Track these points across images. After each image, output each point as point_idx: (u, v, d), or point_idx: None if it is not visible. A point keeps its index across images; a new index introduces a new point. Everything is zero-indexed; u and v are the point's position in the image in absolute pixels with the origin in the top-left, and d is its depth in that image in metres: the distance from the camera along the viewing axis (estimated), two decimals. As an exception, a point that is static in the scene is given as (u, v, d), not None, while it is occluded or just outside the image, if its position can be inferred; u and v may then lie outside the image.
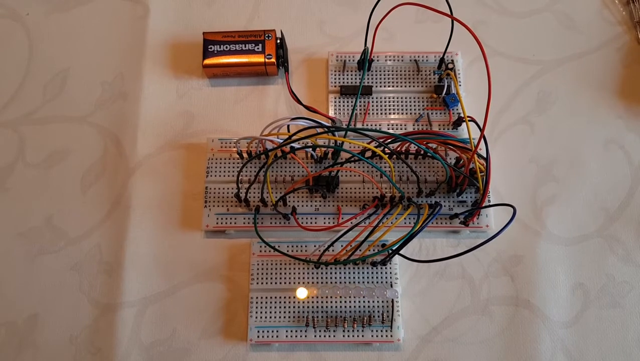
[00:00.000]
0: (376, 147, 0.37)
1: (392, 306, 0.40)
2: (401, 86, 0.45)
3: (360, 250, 0.38)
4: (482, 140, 0.37)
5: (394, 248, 0.37)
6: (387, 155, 0.38)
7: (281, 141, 0.38)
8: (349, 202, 0.42)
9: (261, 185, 0.42)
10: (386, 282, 0.40)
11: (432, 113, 0.44)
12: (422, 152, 0.42)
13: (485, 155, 0.38)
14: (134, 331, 0.41)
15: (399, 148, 0.41)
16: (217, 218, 0.42)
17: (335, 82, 0.45)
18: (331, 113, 0.44)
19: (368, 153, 0.41)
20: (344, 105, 0.45)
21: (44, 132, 0.45)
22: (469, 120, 0.39)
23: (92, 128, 0.45)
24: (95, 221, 0.43)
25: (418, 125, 0.44)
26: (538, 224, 0.43)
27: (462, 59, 0.46)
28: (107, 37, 0.48)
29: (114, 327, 0.41)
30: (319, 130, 0.37)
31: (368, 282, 0.40)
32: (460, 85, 0.45)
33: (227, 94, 0.46)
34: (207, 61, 0.44)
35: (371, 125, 0.44)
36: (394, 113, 0.44)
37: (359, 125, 0.44)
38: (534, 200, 0.44)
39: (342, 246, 0.39)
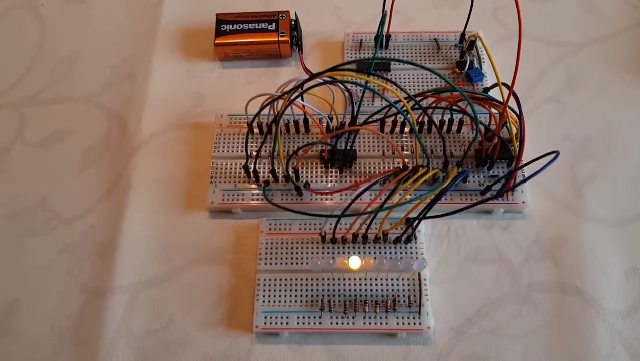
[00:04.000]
0: (406, 99, 0.34)
1: (420, 287, 0.35)
2: (421, 63, 0.43)
3: (376, 224, 0.33)
4: (513, 95, 0.34)
5: (415, 221, 0.32)
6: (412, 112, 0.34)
7: (300, 102, 0.35)
8: (366, 177, 0.38)
9: (271, 158, 0.38)
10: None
11: (455, 89, 0.41)
12: (446, 125, 0.39)
13: (517, 112, 0.34)
14: (124, 319, 0.36)
15: (421, 119, 0.38)
16: (223, 195, 0.38)
17: (351, 58, 0.43)
18: (348, 103, 0.42)
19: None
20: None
21: (46, 112, 0.43)
22: (502, 85, 0.36)
23: (96, 108, 0.43)
24: (91, 201, 0.40)
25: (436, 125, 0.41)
26: (579, 203, 0.38)
27: (484, 38, 0.44)
28: (119, 24, 0.47)
29: (101, 315, 0.36)
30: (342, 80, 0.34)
31: (391, 263, 0.36)
32: (483, 62, 0.42)
33: (238, 76, 0.44)
34: (219, 40, 0.43)
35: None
36: (414, 90, 0.42)
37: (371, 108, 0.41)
38: (572, 178, 0.39)
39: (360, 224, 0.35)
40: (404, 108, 0.34)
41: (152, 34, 0.46)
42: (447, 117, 0.39)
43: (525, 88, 0.43)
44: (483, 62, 0.42)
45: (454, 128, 0.40)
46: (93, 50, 0.46)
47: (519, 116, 0.34)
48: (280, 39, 0.43)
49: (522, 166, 0.34)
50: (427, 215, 0.32)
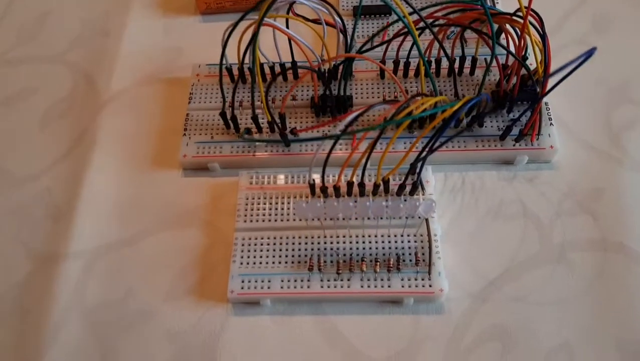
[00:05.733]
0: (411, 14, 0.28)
1: (430, 242, 0.28)
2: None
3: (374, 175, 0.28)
4: (533, 13, 0.29)
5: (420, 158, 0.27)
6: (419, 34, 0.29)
7: (279, 25, 0.30)
8: (364, 125, 0.33)
9: (252, 105, 0.33)
10: (418, 217, 0.30)
11: (466, 31, 0.36)
12: (456, 67, 0.34)
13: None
14: (78, 289, 0.30)
15: (428, 56, 0.33)
16: (198, 148, 0.33)
17: (347, 5, 0.38)
18: (342, 38, 0.37)
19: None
20: (358, 28, 0.37)
21: (9, 73, 0.39)
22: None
23: (63, 66, 0.39)
24: (50, 160, 0.35)
25: (449, 42, 0.36)
26: (618, 151, 0.33)
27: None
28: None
29: (51, 283, 0.30)
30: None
31: (393, 218, 0.30)
32: (497, 2, 0.37)
33: (220, 30, 0.39)
34: (200, -13, 0.39)
35: (391, 48, 0.36)
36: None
37: (375, 53, 0.36)
38: (609, 124, 0.34)
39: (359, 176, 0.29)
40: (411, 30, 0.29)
41: (129, -11, 0.42)
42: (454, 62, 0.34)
43: (548, 30, 0.37)
44: (497, 2, 0.37)
45: (466, 71, 0.34)
46: (65, 7, 0.42)
47: (543, 36, 0.29)
48: (268, -16, 0.38)
49: (549, 89, 0.28)
50: (434, 147, 0.26)
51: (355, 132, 0.26)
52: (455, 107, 0.26)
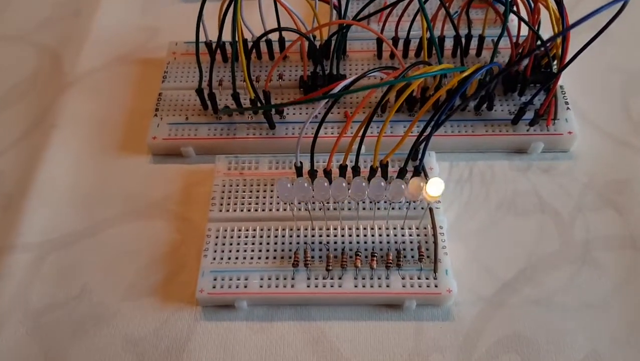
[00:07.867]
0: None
1: (435, 235, 0.24)
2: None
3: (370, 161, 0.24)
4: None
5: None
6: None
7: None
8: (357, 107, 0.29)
9: (232, 83, 0.29)
10: (421, 208, 0.26)
11: (470, 12, 0.33)
12: (463, 43, 0.30)
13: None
14: (23, 286, 0.26)
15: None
16: (171, 130, 0.29)
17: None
18: (334, 16, 0.33)
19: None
20: (351, 4, 0.34)
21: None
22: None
23: (28, 46, 0.36)
24: (3, 144, 0.31)
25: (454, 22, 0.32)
26: (640, 139, 0.29)
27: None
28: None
29: (-8, 281, 0.26)
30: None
31: (392, 208, 0.26)
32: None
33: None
34: (180, -38, 0.35)
35: (388, 26, 0.32)
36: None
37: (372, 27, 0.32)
38: (628, 111, 0.31)
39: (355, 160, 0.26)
40: None
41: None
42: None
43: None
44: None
45: (472, 52, 0.31)
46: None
47: (560, 4, 0.26)
48: (254, -41, 0.35)
49: (568, 63, 0.25)
50: (441, 120, 0.23)
51: (354, 91, 0.22)
52: (466, 73, 0.22)
